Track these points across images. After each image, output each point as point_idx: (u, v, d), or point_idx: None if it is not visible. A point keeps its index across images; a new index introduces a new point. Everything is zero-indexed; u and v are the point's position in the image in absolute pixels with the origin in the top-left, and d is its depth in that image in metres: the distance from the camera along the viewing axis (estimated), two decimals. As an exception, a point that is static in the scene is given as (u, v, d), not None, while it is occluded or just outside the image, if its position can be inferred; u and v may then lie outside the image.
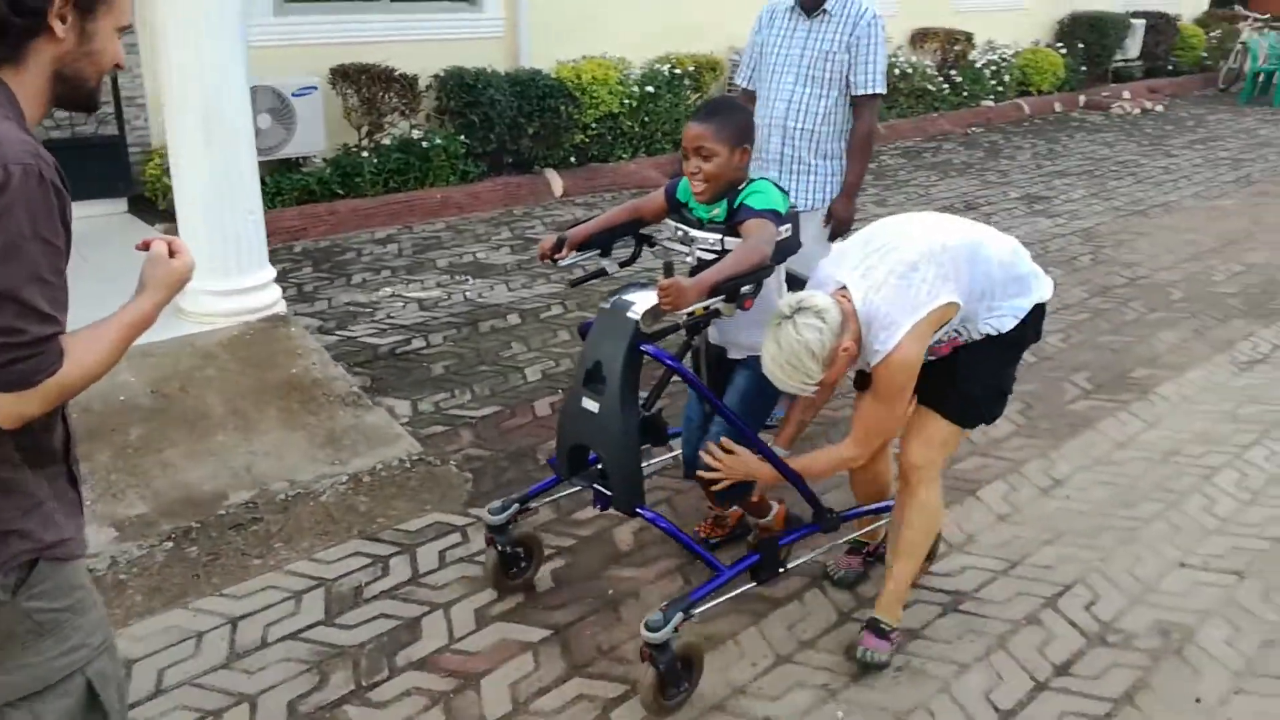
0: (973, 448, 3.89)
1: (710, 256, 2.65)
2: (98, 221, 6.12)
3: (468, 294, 5.46)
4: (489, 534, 2.93)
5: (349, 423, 3.89)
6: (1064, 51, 12.33)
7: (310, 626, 2.85)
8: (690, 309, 2.38)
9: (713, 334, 2.83)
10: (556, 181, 7.71)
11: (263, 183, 5.02)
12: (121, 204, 6.34)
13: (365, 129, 7.02)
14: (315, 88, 6.59)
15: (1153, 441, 4.02)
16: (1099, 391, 4.48)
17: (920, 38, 11.00)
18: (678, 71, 8.45)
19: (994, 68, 11.35)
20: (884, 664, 2.71)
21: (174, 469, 3.52)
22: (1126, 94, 12.55)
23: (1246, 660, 2.77)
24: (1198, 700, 2.62)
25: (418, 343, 4.80)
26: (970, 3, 11.71)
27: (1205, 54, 14.38)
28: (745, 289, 2.48)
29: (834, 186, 3.82)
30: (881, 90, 3.75)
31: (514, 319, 5.13)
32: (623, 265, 2.97)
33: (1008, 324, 2.60)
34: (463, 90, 7.19)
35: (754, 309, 2.56)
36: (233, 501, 3.39)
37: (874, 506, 3.04)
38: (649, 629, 2.46)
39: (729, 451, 2.60)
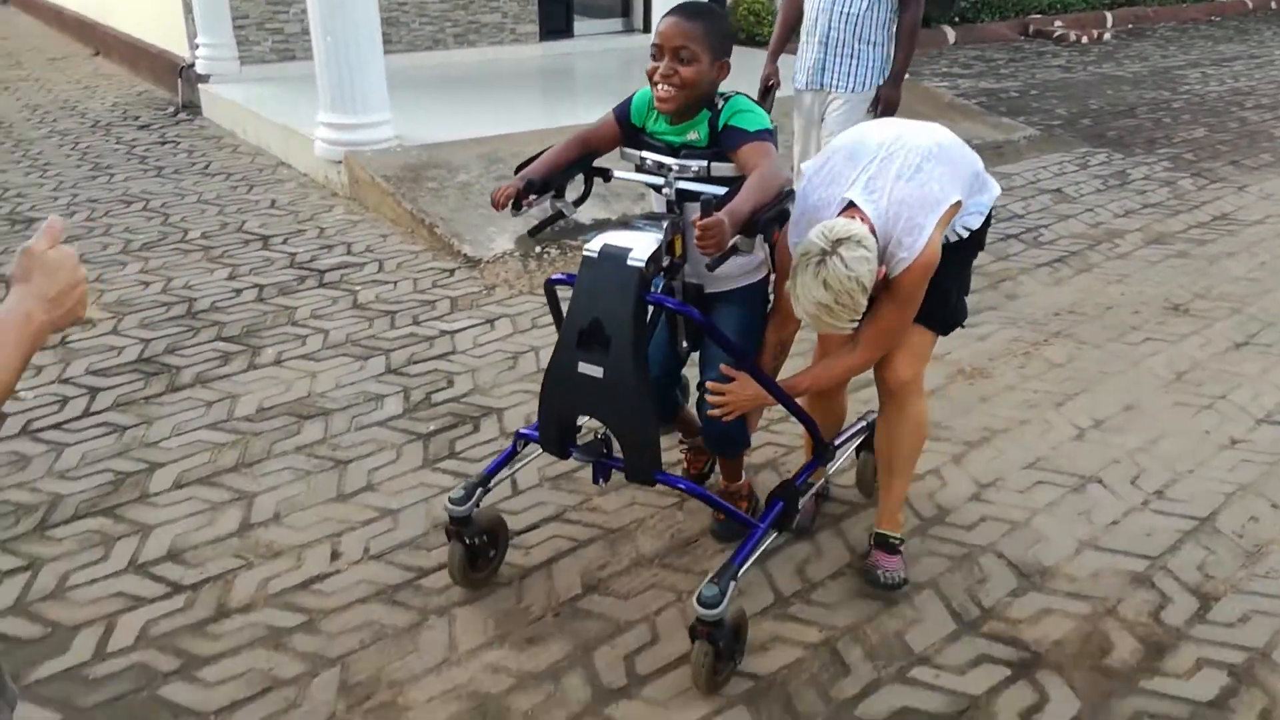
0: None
1: (694, 186, 2.33)
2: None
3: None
4: (452, 526, 2.55)
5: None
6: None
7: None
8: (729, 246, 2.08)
9: (688, 271, 2.48)
10: (950, 33, 11.72)
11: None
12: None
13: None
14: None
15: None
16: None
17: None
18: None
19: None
20: (904, 580, 2.64)
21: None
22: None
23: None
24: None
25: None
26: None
27: None
28: (769, 220, 2.20)
29: (876, 72, 4.03)
30: None
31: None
32: (576, 204, 2.61)
33: (977, 222, 2.52)
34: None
35: None
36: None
37: (857, 428, 2.99)
38: (705, 605, 2.19)
39: (731, 379, 2.39)
